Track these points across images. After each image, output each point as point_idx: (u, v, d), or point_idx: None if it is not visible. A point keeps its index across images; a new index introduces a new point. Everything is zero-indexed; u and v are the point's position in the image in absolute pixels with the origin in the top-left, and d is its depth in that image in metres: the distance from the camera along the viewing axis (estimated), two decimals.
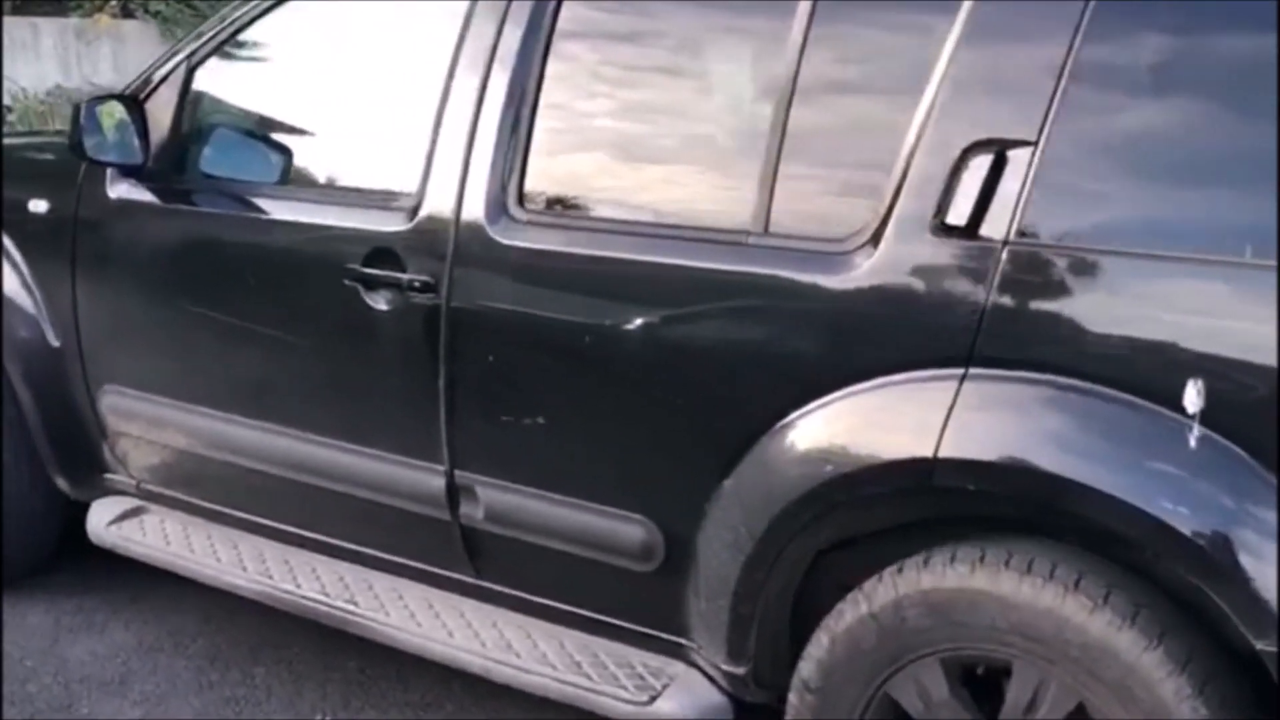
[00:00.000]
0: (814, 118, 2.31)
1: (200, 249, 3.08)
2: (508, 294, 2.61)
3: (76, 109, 3.01)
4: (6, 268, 3.40)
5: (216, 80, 3.14)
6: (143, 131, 3.06)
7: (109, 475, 3.43)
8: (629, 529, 2.50)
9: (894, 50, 2.30)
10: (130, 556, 3.31)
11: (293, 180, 3.04)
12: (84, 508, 3.49)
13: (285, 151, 3.08)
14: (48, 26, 7.04)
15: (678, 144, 2.54)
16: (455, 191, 2.64)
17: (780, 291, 2.28)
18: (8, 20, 6.84)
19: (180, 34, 7.01)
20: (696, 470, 2.39)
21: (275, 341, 2.95)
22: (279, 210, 2.96)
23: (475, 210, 2.61)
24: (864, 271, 2.19)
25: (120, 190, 3.19)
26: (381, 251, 2.73)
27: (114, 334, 3.26)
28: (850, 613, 2.25)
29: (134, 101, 3.07)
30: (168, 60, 3.19)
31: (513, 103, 2.61)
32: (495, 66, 2.63)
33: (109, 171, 3.21)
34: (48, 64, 6.94)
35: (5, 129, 5.74)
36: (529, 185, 2.61)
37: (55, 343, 3.35)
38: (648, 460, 2.48)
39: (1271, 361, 1.85)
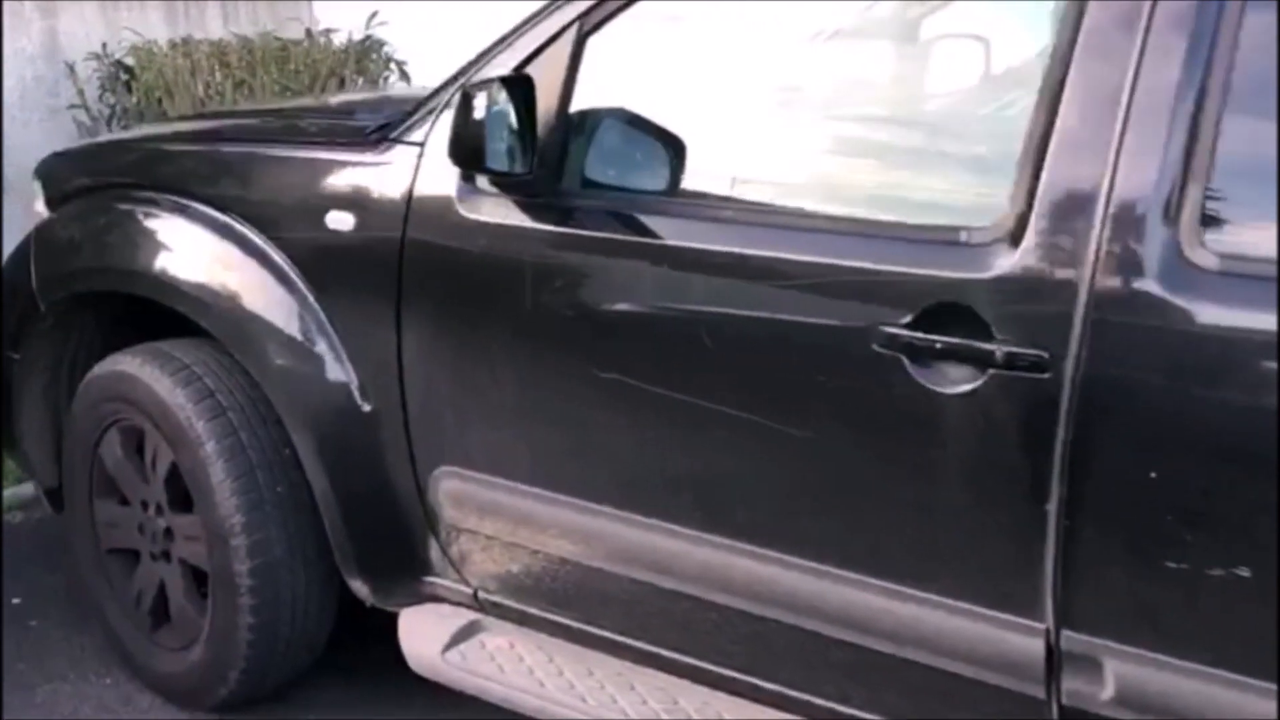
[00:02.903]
0: None
1: (613, 291, 2.20)
2: (1196, 383, 1.74)
3: (466, 98, 2.10)
4: (289, 300, 2.51)
5: (621, 52, 2.23)
6: (532, 127, 2.16)
7: (431, 579, 2.56)
8: None
9: None
10: (479, 696, 2.44)
11: (756, 199, 2.16)
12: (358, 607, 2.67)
13: (732, 156, 2.19)
14: None
15: None
16: (1088, 223, 1.77)
17: None
18: None
19: None
20: None
21: (745, 425, 2.08)
22: (743, 241, 2.07)
23: (1127, 250, 1.75)
24: None
25: (480, 206, 2.30)
26: (945, 308, 1.87)
27: (463, 401, 2.38)
28: None
29: (523, 84, 2.16)
30: (542, 22, 2.28)
31: (1189, 92, 1.73)
32: (1152, 40, 1.76)
33: (456, 177, 2.31)
34: (153, 12, 5.95)
35: (139, 89, 4.77)
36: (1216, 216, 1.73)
37: (366, 406, 2.48)
38: None
39: None
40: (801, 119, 2.17)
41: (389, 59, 5.26)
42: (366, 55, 5.09)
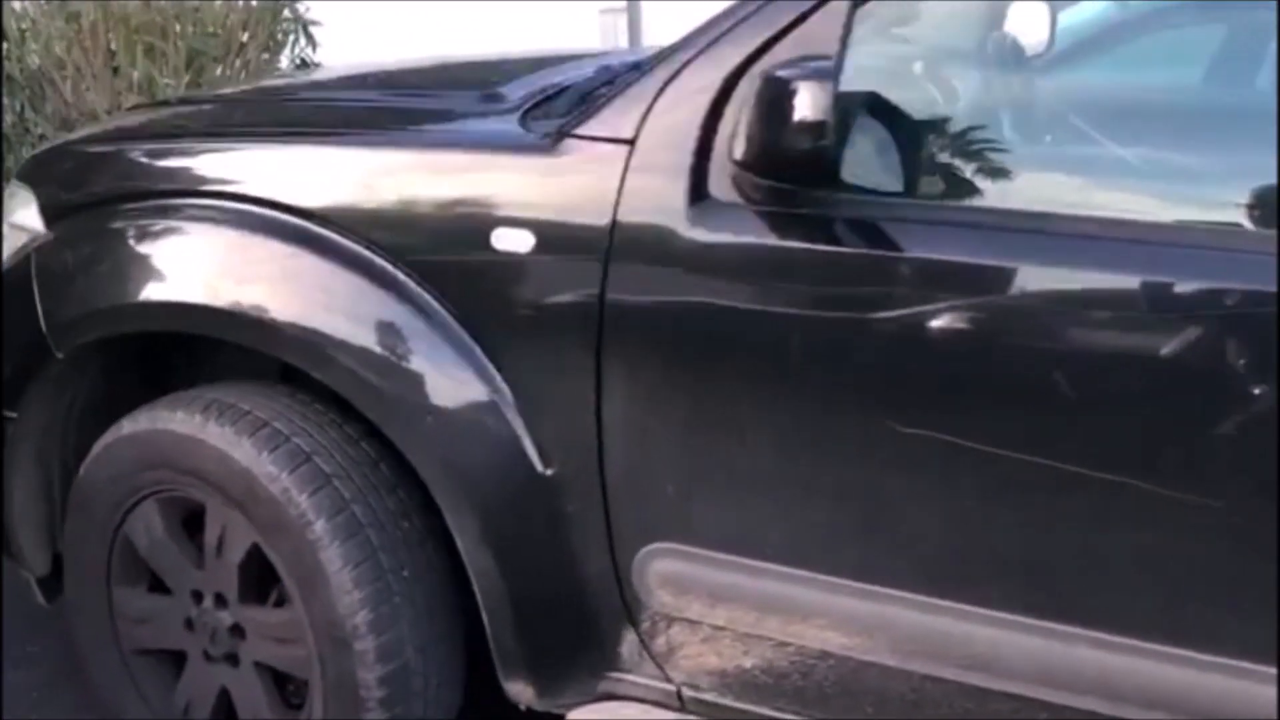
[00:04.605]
0: None
1: (919, 327, 1.76)
2: None
3: (787, 91, 1.61)
4: (439, 342, 1.99)
5: (904, 25, 1.80)
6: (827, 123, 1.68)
7: (617, 675, 2.09)
8: None
9: None
10: None
11: (1131, 211, 1.75)
12: None
13: (1044, 155, 1.78)
14: None
15: None
16: None
17: None
18: None
19: None
20: None
21: (1116, 491, 1.69)
22: (1117, 264, 1.67)
23: None
24: None
25: (719, 221, 1.82)
26: None
27: (693, 464, 1.91)
28: None
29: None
30: None
31: None
32: None
33: (683, 184, 1.83)
34: None
35: (12, 57, 3.96)
36: None
37: (545, 469, 1.98)
38: None
39: None
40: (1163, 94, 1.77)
41: (300, 21, 4.59)
42: (278, 15, 4.41)
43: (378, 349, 2.01)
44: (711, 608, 1.96)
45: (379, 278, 2.00)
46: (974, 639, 1.80)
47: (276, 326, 2.03)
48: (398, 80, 2.61)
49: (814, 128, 1.60)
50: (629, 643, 2.05)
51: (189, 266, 2.12)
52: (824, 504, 1.85)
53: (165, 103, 2.93)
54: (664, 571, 1.96)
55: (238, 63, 4.37)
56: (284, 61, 4.73)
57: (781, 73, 1.63)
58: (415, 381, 2.00)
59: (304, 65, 4.83)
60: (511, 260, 1.93)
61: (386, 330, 2.00)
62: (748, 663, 1.99)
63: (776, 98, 1.62)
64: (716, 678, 2.02)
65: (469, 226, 1.96)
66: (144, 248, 2.17)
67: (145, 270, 2.15)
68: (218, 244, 2.11)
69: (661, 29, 6.44)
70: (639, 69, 2.30)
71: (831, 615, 1.88)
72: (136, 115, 2.72)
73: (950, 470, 1.76)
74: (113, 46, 3.92)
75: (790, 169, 1.67)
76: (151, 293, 2.13)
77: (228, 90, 2.70)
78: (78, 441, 2.45)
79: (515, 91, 2.23)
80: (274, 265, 2.05)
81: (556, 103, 2.19)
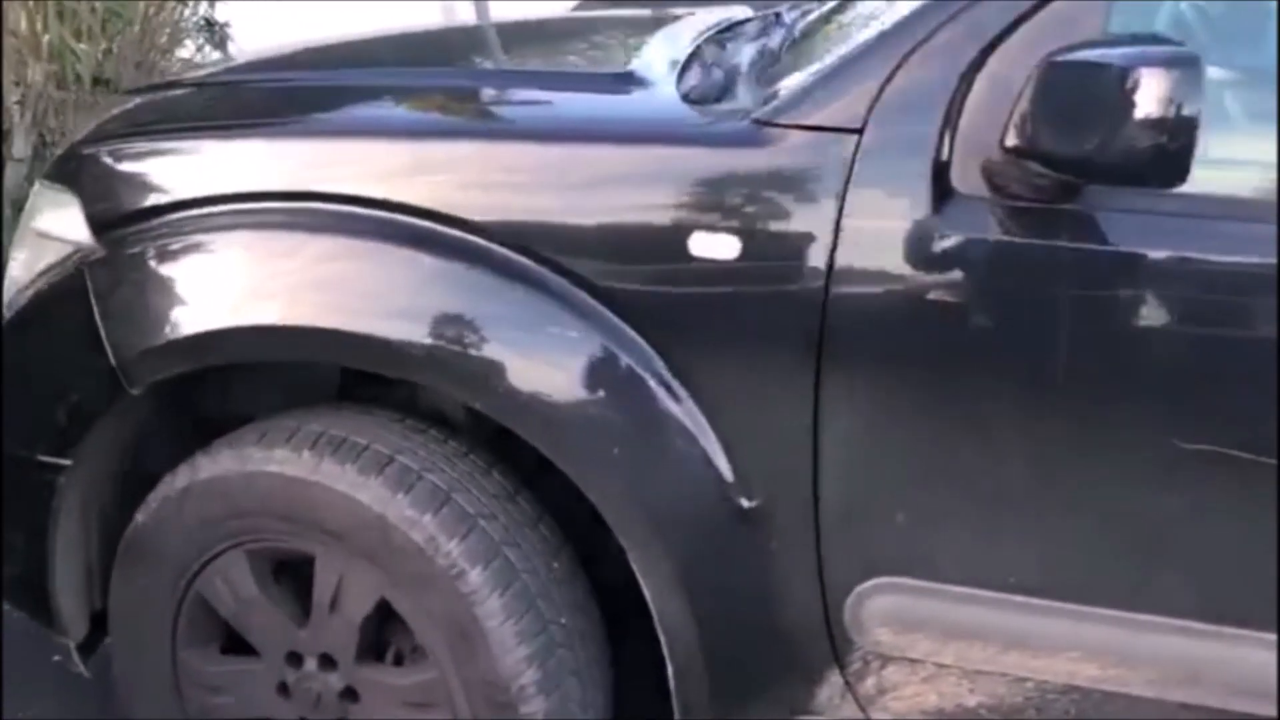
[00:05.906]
0: None
1: (1230, 339, 1.60)
2: None
3: (1107, 74, 1.41)
4: (624, 361, 1.75)
5: None
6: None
7: (807, 717, 1.89)
8: None
9: None
10: None
11: None
12: None
13: None
14: None
15: None
16: None
17: None
18: None
19: None
20: None
21: None
22: None
23: None
24: None
25: (975, 223, 1.63)
26: None
27: (932, 490, 1.72)
28: None
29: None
30: None
31: None
32: None
33: (925, 181, 1.63)
34: None
35: None
36: None
37: (746, 501, 1.76)
38: None
39: None
40: None
41: None
42: None
43: (551, 374, 1.75)
44: (943, 644, 1.78)
45: (549, 292, 1.74)
46: (1247, 663, 1.67)
47: (434, 354, 1.74)
48: (471, 54, 2.32)
49: (1166, 124, 1.41)
50: (830, 684, 1.86)
51: (309, 283, 1.80)
52: (1089, 529, 1.69)
53: (203, 82, 2.52)
54: (886, 609, 1.77)
55: (139, 27, 3.91)
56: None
57: (1116, 56, 1.43)
58: (597, 409, 1.76)
59: (209, 25, 4.38)
60: (712, 269, 1.69)
61: (561, 352, 1.75)
62: (972, 700, 1.82)
63: (1112, 87, 1.42)
64: (933, 716, 1.84)
65: (661, 232, 1.71)
66: (248, 260, 1.84)
67: (257, 288, 1.82)
68: (344, 256, 1.79)
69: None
70: (763, 33, 2.09)
71: (1088, 647, 1.72)
72: (175, 96, 2.31)
73: (1242, 490, 1.61)
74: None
75: (1129, 166, 1.46)
76: (274, 316, 1.79)
77: (272, 64, 2.31)
78: (118, 487, 2.11)
79: (649, 69, 1.97)
80: (418, 282, 1.76)
81: (696, 81, 1.95)
